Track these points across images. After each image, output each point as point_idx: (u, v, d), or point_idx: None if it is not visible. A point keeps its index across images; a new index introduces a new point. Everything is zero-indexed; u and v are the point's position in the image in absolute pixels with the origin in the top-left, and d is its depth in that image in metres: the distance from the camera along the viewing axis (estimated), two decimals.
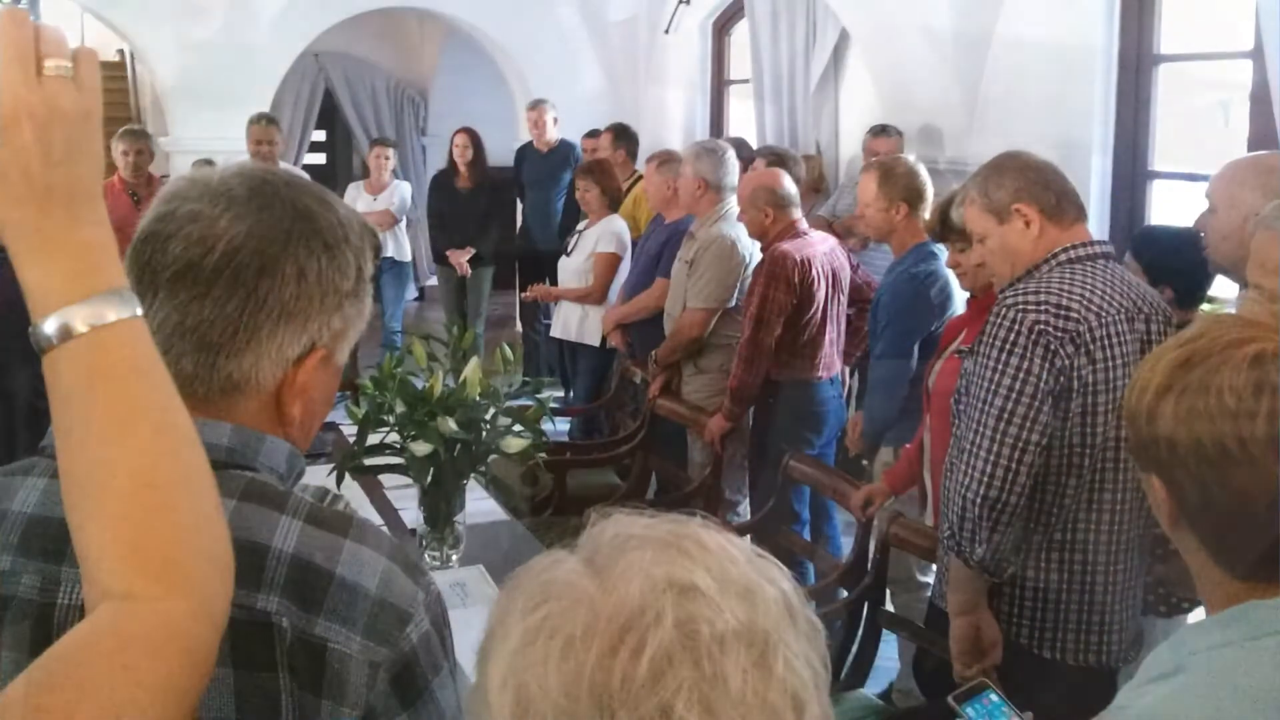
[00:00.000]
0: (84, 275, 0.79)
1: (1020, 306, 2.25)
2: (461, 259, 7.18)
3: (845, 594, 3.22)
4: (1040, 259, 2.37)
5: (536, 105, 7.55)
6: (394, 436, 2.64)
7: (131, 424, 0.79)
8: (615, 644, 0.71)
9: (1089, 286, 2.29)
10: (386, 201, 7.37)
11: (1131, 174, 5.15)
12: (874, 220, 3.77)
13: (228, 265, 1.03)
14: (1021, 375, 2.21)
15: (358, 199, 7.31)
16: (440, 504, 2.67)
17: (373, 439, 2.63)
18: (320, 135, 11.72)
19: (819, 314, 4.10)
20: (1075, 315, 2.24)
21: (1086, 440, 2.26)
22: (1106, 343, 2.25)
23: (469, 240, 7.19)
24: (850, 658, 3.09)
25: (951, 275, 3.43)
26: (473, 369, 2.70)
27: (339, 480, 2.54)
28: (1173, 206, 5.01)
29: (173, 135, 8.04)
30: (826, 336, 4.15)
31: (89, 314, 0.78)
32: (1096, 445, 2.27)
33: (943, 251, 3.47)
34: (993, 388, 2.24)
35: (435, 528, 2.68)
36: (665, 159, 5.16)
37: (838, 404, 4.30)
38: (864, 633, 3.11)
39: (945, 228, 3.17)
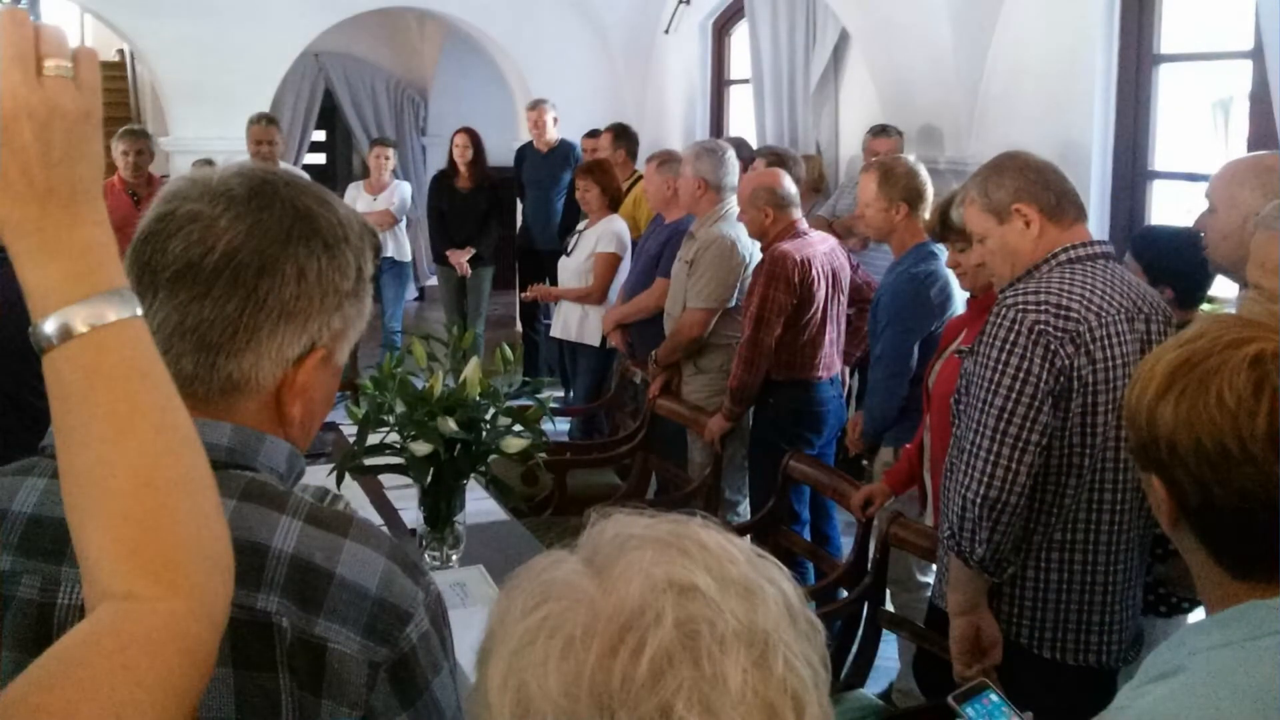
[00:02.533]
0: (84, 275, 0.79)
1: (1020, 306, 2.25)
2: (461, 259, 7.18)
3: (845, 594, 3.22)
4: (1040, 259, 2.37)
5: (536, 105, 7.56)
6: (394, 436, 2.64)
7: (131, 424, 0.79)
8: (615, 644, 0.71)
9: (1089, 286, 2.29)
10: (386, 201, 7.37)
11: (1131, 174, 5.15)
12: (874, 220, 3.77)
13: (228, 265, 1.03)
14: (1021, 375, 2.21)
15: (358, 199, 7.31)
16: (440, 504, 2.67)
17: (373, 439, 2.63)
18: (320, 135, 11.73)
19: (819, 314, 4.10)
20: (1075, 315, 2.24)
21: (1086, 440, 2.26)
22: (1106, 343, 2.25)
23: (469, 240, 7.19)
24: (850, 658, 3.09)
25: (951, 275, 3.43)
26: (473, 369, 2.70)
27: (339, 480, 2.53)
28: (1173, 206, 5.01)
29: (173, 135, 8.04)
30: (826, 336, 4.15)
31: (89, 314, 0.78)
32: (1096, 445, 2.27)
33: (943, 251, 3.47)
34: (993, 388, 2.24)
35: (435, 528, 2.68)
36: (665, 159, 5.16)
37: (838, 404, 4.30)
38: (864, 633, 3.11)
39: (945, 228, 3.17)
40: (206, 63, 7.77)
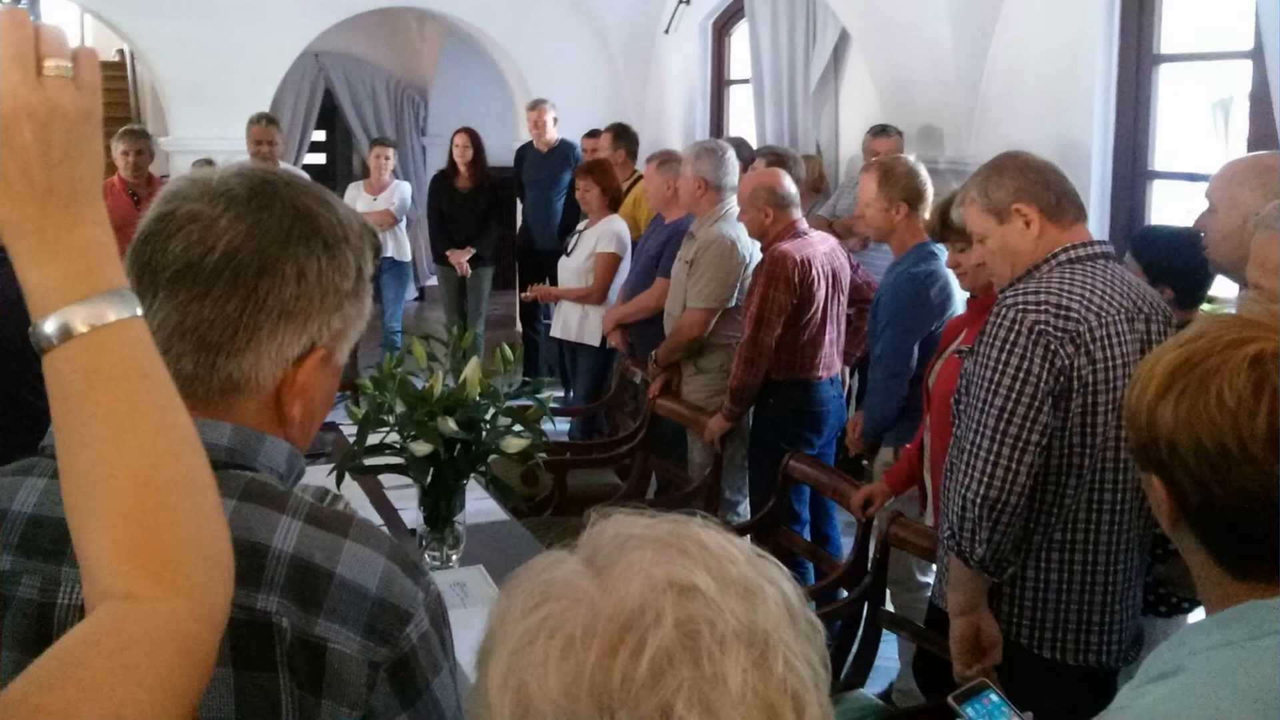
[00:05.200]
0: (84, 275, 0.79)
1: (1020, 306, 2.25)
2: (461, 259, 7.18)
3: (845, 594, 3.22)
4: (1040, 259, 2.37)
5: (536, 105, 7.56)
6: (394, 436, 2.64)
7: (131, 424, 0.79)
8: (615, 644, 0.71)
9: (1089, 286, 2.29)
10: (386, 201, 7.37)
11: (1131, 174, 5.15)
12: (874, 220, 3.77)
13: (228, 265, 1.03)
14: (1021, 375, 2.21)
15: (358, 199, 7.31)
16: (440, 504, 2.67)
17: (373, 439, 2.63)
18: (320, 135, 11.73)
19: (819, 314, 4.10)
20: (1075, 315, 2.24)
21: (1086, 440, 2.26)
22: (1106, 343, 2.25)
23: (469, 240, 7.19)
24: (850, 658, 3.09)
25: (951, 275, 3.43)
26: (473, 369, 2.70)
27: (339, 480, 2.53)
28: (1173, 206, 5.01)
29: (173, 135, 8.04)
30: (826, 336, 4.15)
31: (89, 314, 0.78)
32: (1096, 445, 2.27)
33: (943, 251, 3.47)
34: (993, 388, 2.24)
35: (435, 528, 2.68)
36: (665, 159, 5.16)
37: (838, 404, 4.30)
38: (864, 633, 3.11)
39: (945, 228, 3.17)
40: (206, 63, 7.77)
